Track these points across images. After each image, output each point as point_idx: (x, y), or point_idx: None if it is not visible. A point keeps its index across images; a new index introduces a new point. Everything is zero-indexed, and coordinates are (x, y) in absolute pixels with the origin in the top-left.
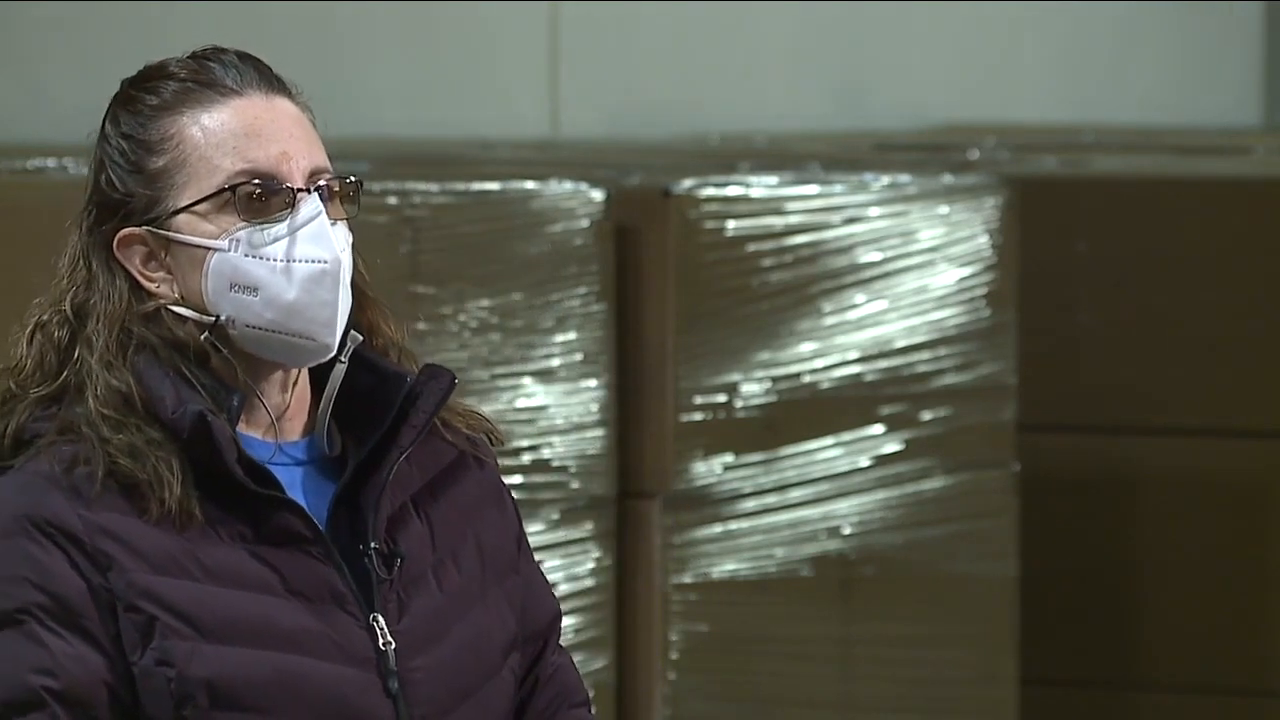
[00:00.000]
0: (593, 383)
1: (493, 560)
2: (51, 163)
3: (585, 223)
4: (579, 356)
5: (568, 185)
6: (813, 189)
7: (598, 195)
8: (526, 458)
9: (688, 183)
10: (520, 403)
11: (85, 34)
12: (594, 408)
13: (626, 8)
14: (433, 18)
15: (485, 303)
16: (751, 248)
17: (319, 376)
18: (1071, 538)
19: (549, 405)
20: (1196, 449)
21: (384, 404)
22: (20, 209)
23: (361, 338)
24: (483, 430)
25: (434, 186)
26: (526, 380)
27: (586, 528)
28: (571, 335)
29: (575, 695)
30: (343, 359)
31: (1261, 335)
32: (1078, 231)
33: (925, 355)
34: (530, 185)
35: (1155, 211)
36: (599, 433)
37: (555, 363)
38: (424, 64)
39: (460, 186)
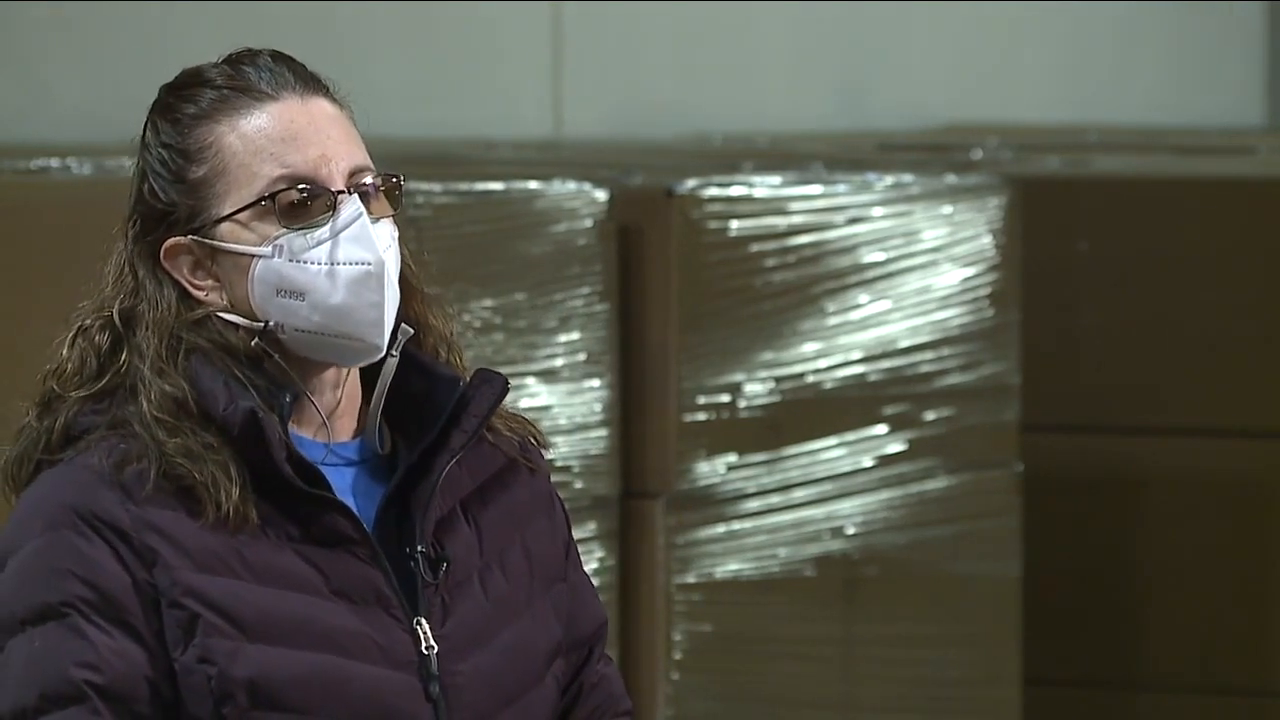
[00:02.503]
0: (596, 383)
1: (540, 568)
2: (54, 163)
3: (588, 223)
4: (582, 357)
5: (571, 185)
6: (816, 189)
7: (601, 195)
8: None
9: (691, 183)
10: (524, 403)
11: (87, 34)
12: (597, 408)
13: (629, 8)
14: (435, 17)
15: (488, 303)
16: (755, 248)
17: (369, 373)
18: (1074, 538)
19: (552, 405)
20: (1199, 449)
21: (436, 407)
22: (23, 209)
23: (412, 331)
24: (525, 434)
25: (437, 186)
26: (530, 380)
27: (590, 528)
28: (575, 335)
29: (619, 705)
30: (394, 353)
31: (1263, 335)
32: (1080, 231)
33: (928, 355)
34: (533, 185)
35: (1157, 211)
36: (602, 433)
37: (559, 363)
38: (427, 64)
39: (463, 186)
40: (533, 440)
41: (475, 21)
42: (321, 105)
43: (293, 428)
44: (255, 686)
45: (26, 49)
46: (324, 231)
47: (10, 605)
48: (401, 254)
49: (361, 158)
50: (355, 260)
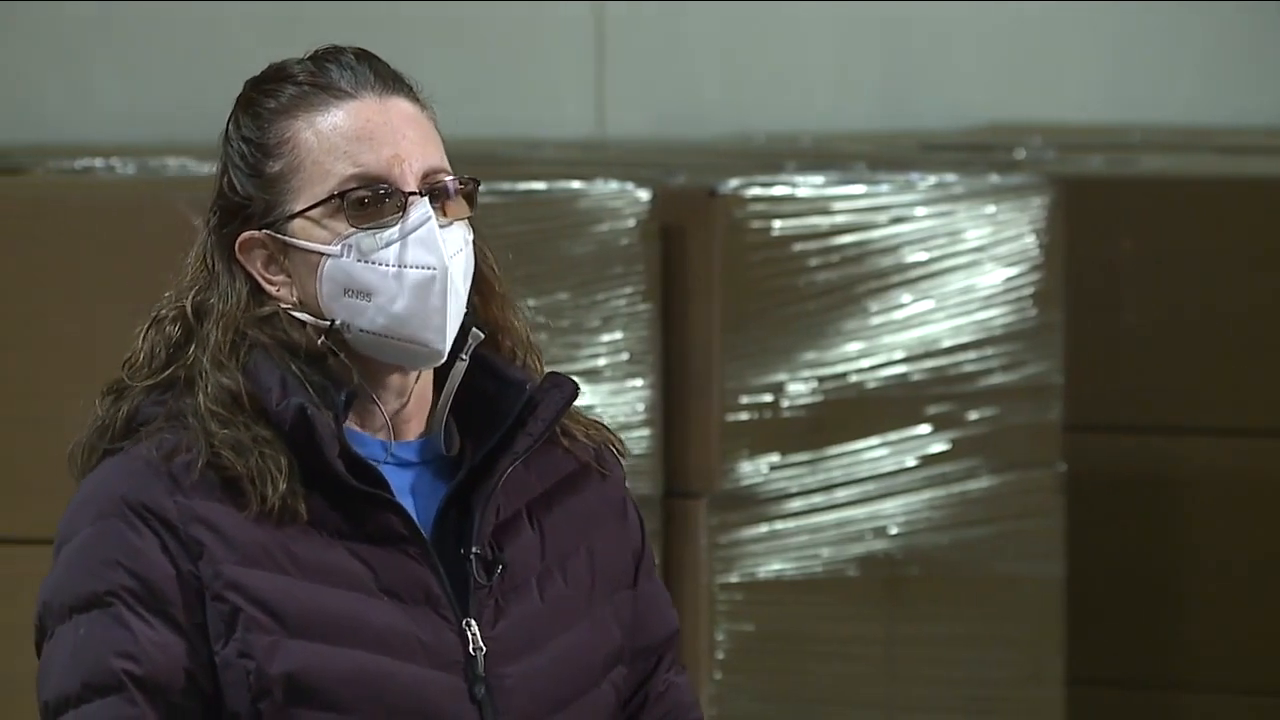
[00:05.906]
0: (639, 382)
1: (604, 573)
2: (99, 163)
3: (631, 222)
4: (625, 356)
5: (614, 185)
6: (859, 189)
7: (644, 195)
8: None
9: (734, 182)
10: None
11: (132, 36)
12: (640, 407)
13: (673, 8)
14: (478, 17)
15: (531, 302)
16: (797, 247)
17: (442, 373)
18: (1118, 538)
19: (595, 405)
20: (1243, 449)
21: (503, 410)
22: (69, 208)
23: (483, 335)
24: (602, 441)
25: (480, 186)
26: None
27: None
28: (617, 335)
29: (688, 714)
30: (464, 356)
31: None
32: (1124, 231)
33: (971, 355)
34: (576, 185)
35: (1201, 211)
36: (645, 432)
37: (601, 362)
38: (470, 63)
39: (506, 186)
40: (610, 448)
41: (518, 21)
42: (400, 105)
43: (355, 426)
44: (292, 682)
45: (72, 51)
46: (393, 232)
47: (61, 593)
48: (485, 256)
49: (438, 159)
50: (421, 264)
